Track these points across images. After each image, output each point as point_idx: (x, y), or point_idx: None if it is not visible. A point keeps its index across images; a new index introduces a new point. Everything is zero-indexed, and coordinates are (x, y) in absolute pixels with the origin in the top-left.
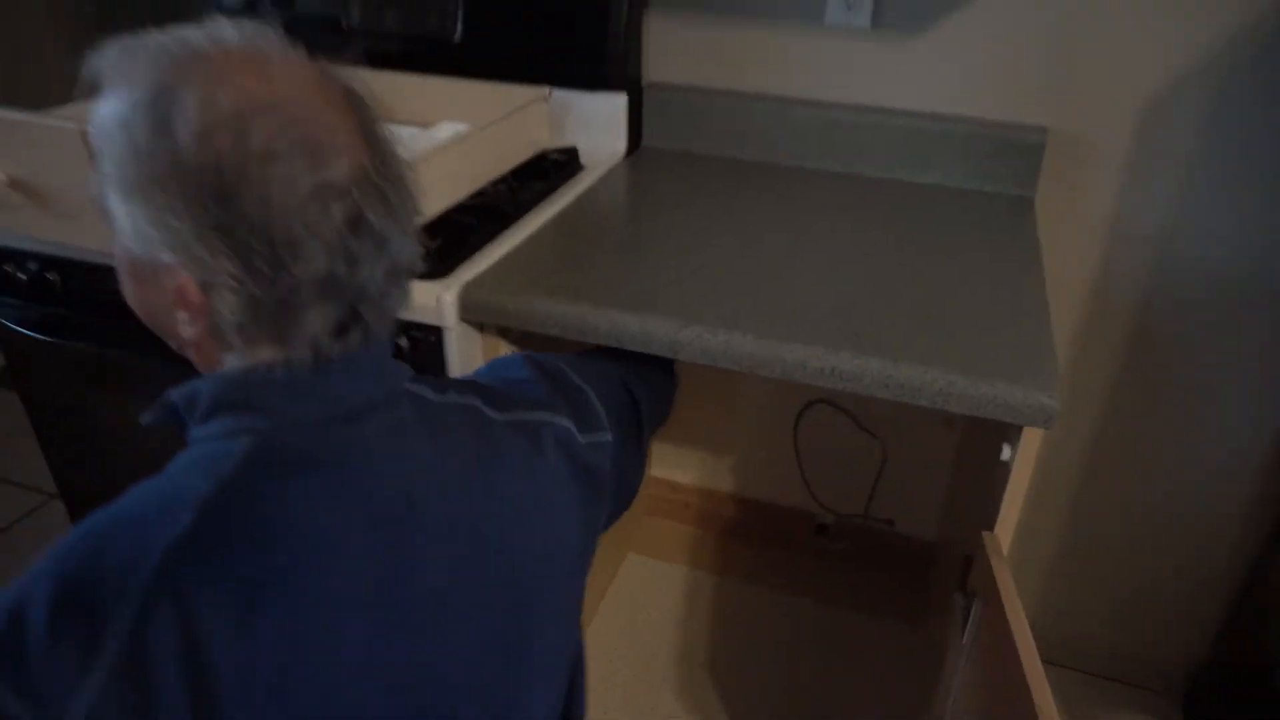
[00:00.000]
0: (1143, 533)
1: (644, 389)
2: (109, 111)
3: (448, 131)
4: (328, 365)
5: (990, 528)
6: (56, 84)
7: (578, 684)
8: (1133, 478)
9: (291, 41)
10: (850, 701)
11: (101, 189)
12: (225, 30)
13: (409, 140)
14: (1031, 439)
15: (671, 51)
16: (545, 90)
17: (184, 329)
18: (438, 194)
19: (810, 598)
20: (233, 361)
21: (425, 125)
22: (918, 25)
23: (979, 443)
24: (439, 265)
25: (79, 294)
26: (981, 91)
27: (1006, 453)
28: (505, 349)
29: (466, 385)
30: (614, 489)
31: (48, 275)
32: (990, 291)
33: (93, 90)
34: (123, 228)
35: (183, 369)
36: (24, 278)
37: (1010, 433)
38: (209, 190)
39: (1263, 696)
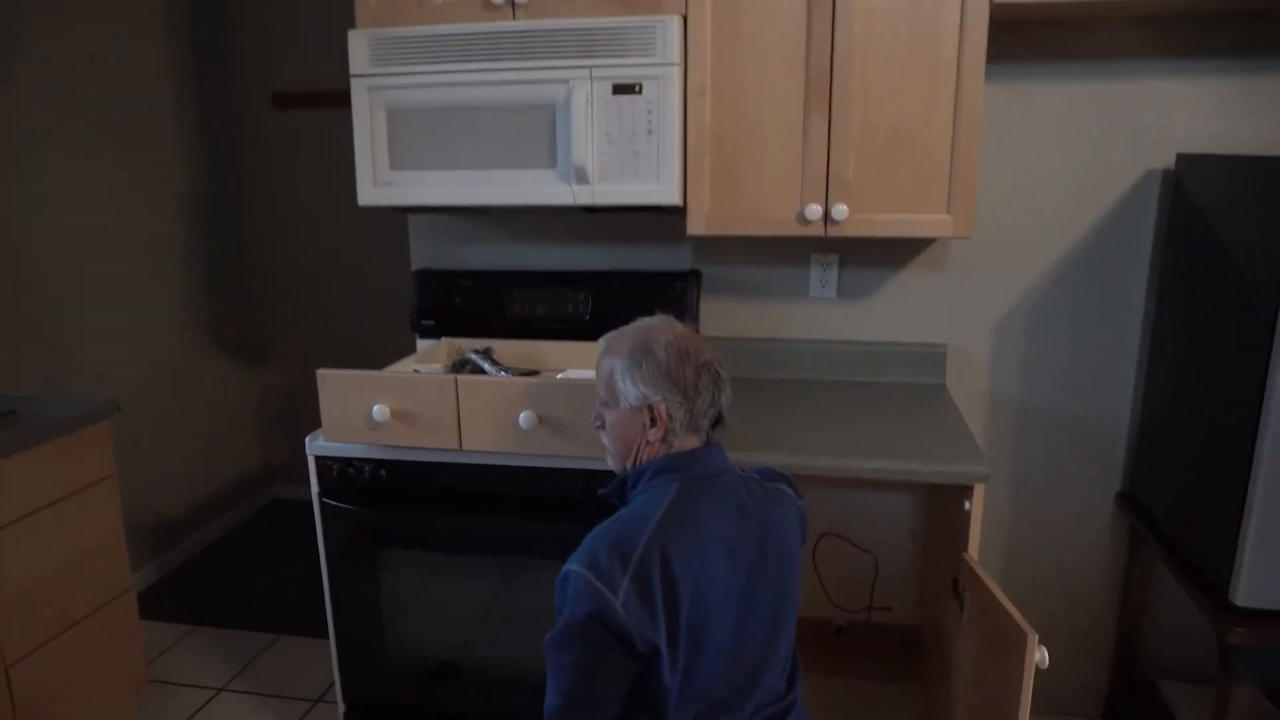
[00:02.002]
0: (1049, 578)
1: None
2: (612, 362)
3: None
4: (708, 449)
5: (965, 550)
6: None
7: (796, 649)
8: (1036, 529)
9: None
10: None
11: (612, 386)
12: (654, 320)
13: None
14: (979, 494)
15: (716, 317)
16: None
17: (651, 434)
18: None
19: (838, 676)
20: (664, 450)
21: (561, 371)
22: (865, 294)
23: (942, 521)
24: None
25: (399, 480)
26: (906, 327)
27: (967, 505)
28: None
29: (749, 471)
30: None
31: (381, 472)
32: (935, 427)
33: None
34: (626, 396)
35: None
36: (365, 474)
37: (966, 493)
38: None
39: (1154, 706)
